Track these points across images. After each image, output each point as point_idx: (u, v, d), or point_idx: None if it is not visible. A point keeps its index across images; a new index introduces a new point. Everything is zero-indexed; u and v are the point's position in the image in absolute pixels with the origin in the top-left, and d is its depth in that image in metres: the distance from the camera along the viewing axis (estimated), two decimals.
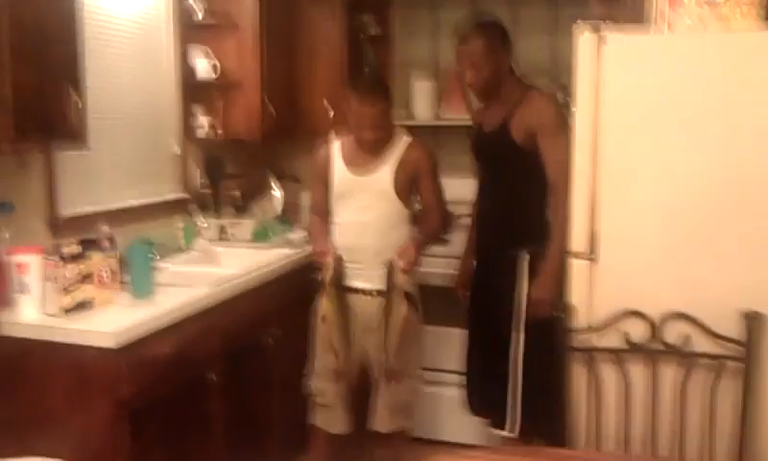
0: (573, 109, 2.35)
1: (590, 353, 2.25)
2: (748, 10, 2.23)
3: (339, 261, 2.77)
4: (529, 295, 2.80)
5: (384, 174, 2.85)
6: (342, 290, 2.80)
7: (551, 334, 2.79)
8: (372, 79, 3.77)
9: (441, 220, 2.98)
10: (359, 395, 3.02)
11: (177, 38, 3.51)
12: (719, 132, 2.18)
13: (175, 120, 3.55)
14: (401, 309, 2.70)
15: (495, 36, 2.86)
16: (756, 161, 2.15)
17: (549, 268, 2.76)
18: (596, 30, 2.25)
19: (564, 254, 2.56)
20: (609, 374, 2.25)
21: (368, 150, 2.86)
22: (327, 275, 2.75)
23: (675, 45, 2.28)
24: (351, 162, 2.90)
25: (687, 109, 2.21)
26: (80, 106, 2.39)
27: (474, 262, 3.13)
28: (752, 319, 2.10)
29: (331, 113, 3.79)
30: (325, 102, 3.78)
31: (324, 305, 2.77)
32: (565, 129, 2.70)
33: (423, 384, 3.07)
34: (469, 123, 3.28)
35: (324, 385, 2.96)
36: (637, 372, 2.23)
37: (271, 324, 3.00)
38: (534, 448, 2.63)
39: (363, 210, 2.87)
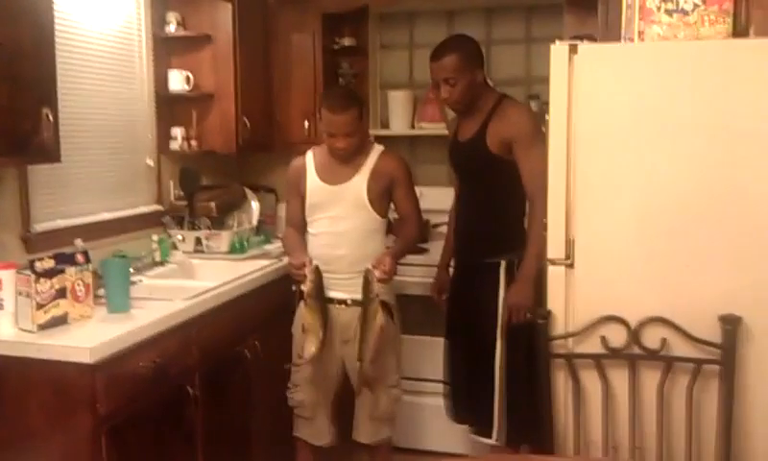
0: (547, 118, 2.37)
1: (570, 359, 2.27)
2: (716, 18, 2.27)
3: (317, 272, 2.77)
4: (506, 300, 2.82)
5: (358, 183, 2.85)
6: (322, 301, 2.79)
7: (531, 340, 2.82)
8: (343, 88, 3.80)
9: (417, 229, 2.99)
10: (342, 405, 3.01)
11: (151, 51, 3.50)
12: (691, 137, 2.22)
13: (149, 132, 3.53)
14: (378, 319, 2.70)
15: (467, 50, 2.89)
16: (729, 165, 2.19)
17: (526, 273, 2.79)
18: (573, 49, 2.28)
19: (541, 259, 2.59)
20: (589, 379, 2.27)
21: (340, 159, 2.86)
22: (308, 287, 2.74)
23: (645, 54, 2.31)
24: (325, 173, 2.90)
25: (660, 115, 2.25)
26: (52, 121, 2.36)
27: (451, 268, 3.15)
28: (728, 322, 2.13)
29: (307, 125, 3.81)
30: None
31: (306, 317, 2.76)
32: (540, 137, 2.73)
33: (403, 393, 3.06)
34: (445, 132, 3.31)
35: (304, 397, 2.94)
36: (618, 376, 2.24)
37: (250, 335, 2.98)
38: (520, 457, 2.65)
39: (337, 221, 2.86)
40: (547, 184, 2.33)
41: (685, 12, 2.29)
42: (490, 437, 2.90)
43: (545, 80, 2.36)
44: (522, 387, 2.83)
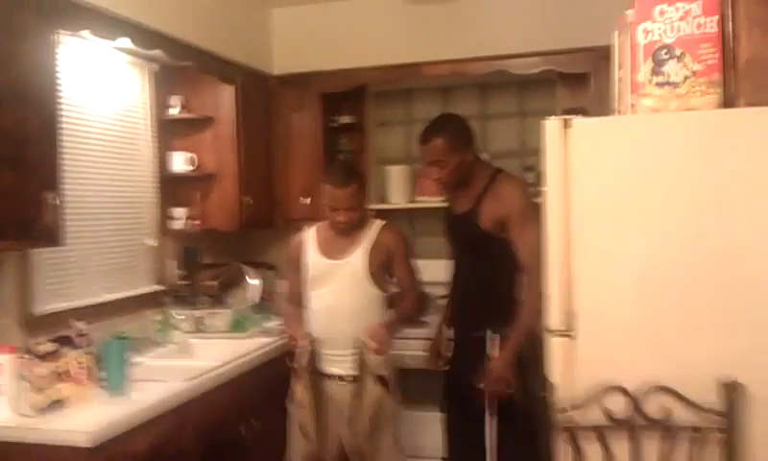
0: (543, 189, 2.40)
1: (573, 431, 2.23)
2: (706, 89, 2.32)
3: (313, 346, 2.75)
4: (489, 370, 2.79)
5: (357, 257, 2.87)
6: (317, 375, 2.77)
7: (521, 415, 2.78)
8: (345, 164, 3.84)
9: (416, 301, 2.99)
10: None
11: (154, 133, 3.57)
12: (686, 205, 2.24)
13: (151, 213, 3.57)
14: (373, 392, 2.68)
15: (454, 131, 2.90)
16: (724, 232, 2.20)
17: (511, 345, 2.77)
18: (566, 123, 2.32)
19: (528, 334, 2.63)
20: (592, 449, 2.23)
21: (342, 232, 2.88)
22: (303, 360, 2.73)
23: (637, 126, 2.35)
24: (325, 248, 2.93)
25: (654, 185, 2.27)
26: (56, 204, 2.39)
27: (448, 332, 3.13)
28: (731, 389, 2.11)
29: (307, 201, 3.85)
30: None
31: (300, 392, 2.74)
32: (534, 213, 2.76)
33: None
34: (443, 205, 3.33)
35: None
36: (621, 446, 2.21)
37: (248, 414, 2.95)
38: None
39: (337, 295, 2.86)
40: (542, 260, 2.34)
41: (675, 85, 2.33)
42: None
43: (540, 151, 2.40)
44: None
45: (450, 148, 2.85)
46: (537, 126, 2.44)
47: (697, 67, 2.28)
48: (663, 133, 2.28)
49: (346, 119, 4.17)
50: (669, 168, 2.26)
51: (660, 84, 2.34)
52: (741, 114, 2.25)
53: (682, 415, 2.16)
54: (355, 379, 2.77)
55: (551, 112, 2.43)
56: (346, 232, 2.88)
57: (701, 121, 2.27)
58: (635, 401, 2.18)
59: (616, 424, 2.19)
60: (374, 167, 4.32)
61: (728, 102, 2.30)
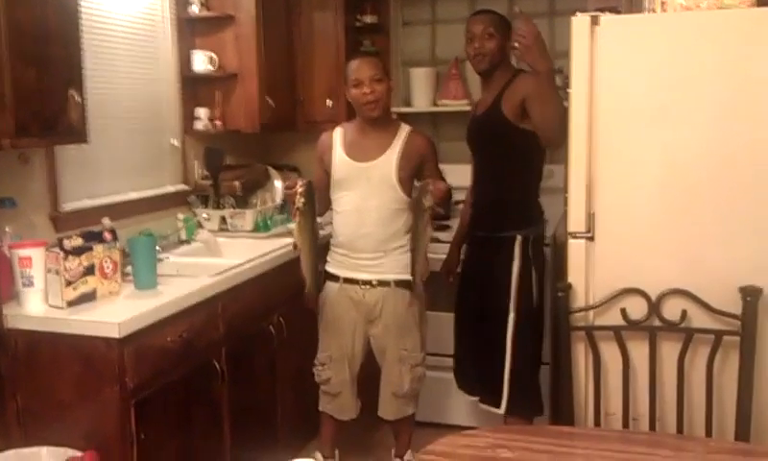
0: (569, 91, 2.37)
1: (590, 332, 2.27)
2: None
3: (309, 187, 2.71)
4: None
5: (388, 162, 2.83)
6: (313, 218, 2.77)
7: (541, 314, 2.84)
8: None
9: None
10: (366, 380, 3.05)
11: (175, 32, 3.53)
12: (713, 108, 2.21)
13: (174, 113, 3.57)
14: (428, 232, 2.69)
15: (503, 18, 2.98)
16: (750, 137, 2.17)
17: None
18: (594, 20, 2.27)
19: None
20: (609, 351, 2.27)
21: (370, 112, 2.82)
22: (298, 201, 2.68)
23: (667, 24, 2.30)
24: (353, 150, 2.89)
25: (682, 86, 2.23)
26: (79, 102, 2.40)
27: (461, 249, 3.19)
28: (748, 293, 2.13)
29: (329, 103, 3.82)
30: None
31: (296, 236, 2.73)
32: (555, 92, 2.70)
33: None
34: (466, 108, 3.30)
35: (331, 375, 2.98)
36: (638, 348, 2.25)
37: (274, 312, 3.03)
38: (538, 427, 2.67)
39: (364, 199, 2.85)
40: (565, 134, 2.34)
41: None
42: (496, 406, 2.93)
43: (569, 54, 2.35)
44: (528, 360, 2.89)
45: (502, 25, 2.93)
46: (566, 27, 2.39)
47: None
48: (694, 32, 2.23)
49: (369, 19, 4.08)
50: (699, 69, 2.22)
51: None
52: None
53: (700, 319, 2.19)
54: (382, 284, 2.83)
55: (582, 12, 2.36)
56: (374, 114, 2.82)
57: (734, 20, 2.22)
58: (653, 304, 2.20)
59: (634, 325, 2.22)
60: (398, 69, 4.25)
61: (762, 0, 2.23)
